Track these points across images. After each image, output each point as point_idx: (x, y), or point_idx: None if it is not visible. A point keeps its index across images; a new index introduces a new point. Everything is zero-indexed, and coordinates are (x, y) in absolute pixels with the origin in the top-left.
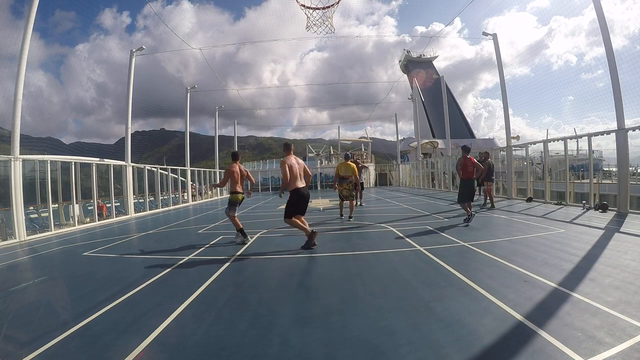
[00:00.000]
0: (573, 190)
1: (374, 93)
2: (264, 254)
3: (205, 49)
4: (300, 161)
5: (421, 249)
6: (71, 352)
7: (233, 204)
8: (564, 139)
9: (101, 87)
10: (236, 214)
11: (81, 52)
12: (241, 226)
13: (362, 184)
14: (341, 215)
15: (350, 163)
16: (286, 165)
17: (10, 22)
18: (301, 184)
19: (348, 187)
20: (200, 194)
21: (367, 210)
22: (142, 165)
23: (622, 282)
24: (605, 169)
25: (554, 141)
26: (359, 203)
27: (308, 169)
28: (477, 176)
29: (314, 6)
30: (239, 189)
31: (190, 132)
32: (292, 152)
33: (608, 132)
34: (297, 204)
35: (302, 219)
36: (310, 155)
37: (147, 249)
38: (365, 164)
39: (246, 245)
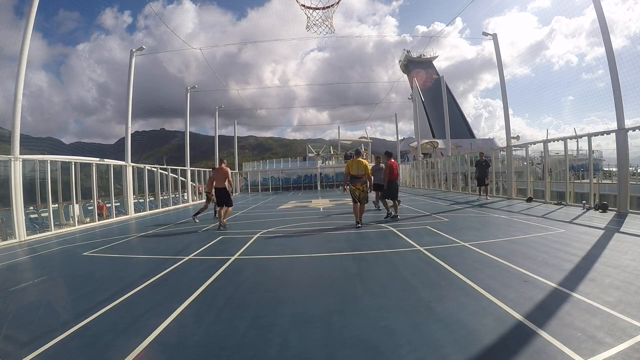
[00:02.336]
0: (573, 190)
1: (374, 93)
2: (264, 254)
3: (205, 48)
4: (225, 170)
5: (421, 249)
6: (71, 352)
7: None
8: (564, 139)
9: (102, 87)
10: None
11: (82, 52)
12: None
13: (382, 186)
14: (357, 222)
15: (362, 160)
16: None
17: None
18: (219, 184)
19: (362, 188)
20: (200, 194)
21: (367, 210)
22: (142, 165)
23: (622, 282)
24: (605, 169)
25: (554, 141)
26: (393, 213)
27: (230, 176)
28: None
29: (314, 6)
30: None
31: (190, 132)
32: (223, 166)
33: (608, 132)
34: (216, 197)
35: (228, 210)
36: (310, 155)
37: (147, 249)
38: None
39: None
